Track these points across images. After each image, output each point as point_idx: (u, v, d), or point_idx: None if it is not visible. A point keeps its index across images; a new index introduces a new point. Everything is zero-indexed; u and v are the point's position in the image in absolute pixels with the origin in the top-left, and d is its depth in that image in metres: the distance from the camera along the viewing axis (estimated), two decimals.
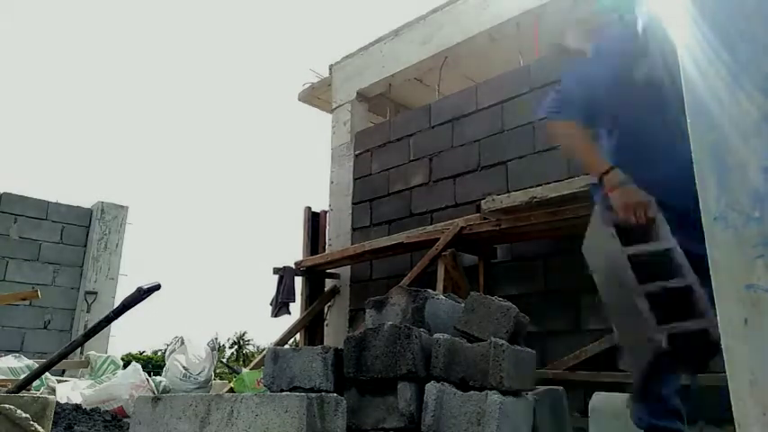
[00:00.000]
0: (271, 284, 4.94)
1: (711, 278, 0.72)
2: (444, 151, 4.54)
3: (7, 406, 1.79)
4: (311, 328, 5.12)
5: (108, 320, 2.78)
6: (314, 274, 5.12)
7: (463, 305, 2.22)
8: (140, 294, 2.66)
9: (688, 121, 0.77)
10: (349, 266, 5.06)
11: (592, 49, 2.02)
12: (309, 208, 5.51)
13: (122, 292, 8.06)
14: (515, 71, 4.34)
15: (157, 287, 2.72)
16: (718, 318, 0.71)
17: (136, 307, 2.70)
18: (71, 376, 4.93)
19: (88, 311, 7.60)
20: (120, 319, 2.77)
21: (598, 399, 2.48)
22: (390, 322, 2.04)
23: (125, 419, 3.19)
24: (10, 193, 7.52)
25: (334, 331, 5.08)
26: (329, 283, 5.24)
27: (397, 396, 1.90)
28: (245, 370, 4.67)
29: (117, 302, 8.08)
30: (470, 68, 5.29)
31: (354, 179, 5.29)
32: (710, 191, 0.72)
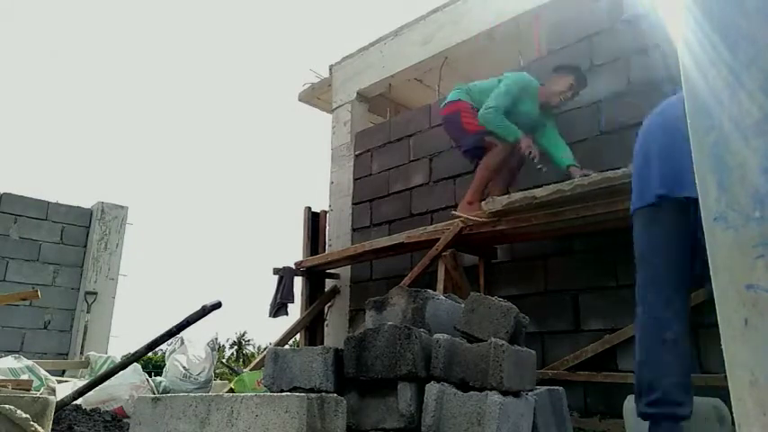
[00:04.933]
0: (271, 285, 4.94)
1: (711, 278, 0.72)
2: (444, 151, 4.54)
3: (7, 406, 1.79)
4: (311, 328, 5.12)
5: (170, 334, 2.94)
6: (314, 275, 5.11)
7: (463, 305, 2.22)
8: (204, 311, 2.87)
9: (688, 121, 0.77)
10: (349, 266, 5.05)
11: None
12: (309, 208, 5.51)
13: (122, 292, 8.07)
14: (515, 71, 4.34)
15: (219, 305, 2.92)
16: (718, 318, 0.71)
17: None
18: (71, 376, 4.93)
19: (88, 312, 7.59)
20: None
21: (633, 401, 2.48)
22: (390, 322, 2.04)
23: (125, 420, 3.19)
24: (10, 193, 7.51)
25: (335, 331, 5.07)
26: (329, 284, 5.24)
27: (397, 396, 1.90)
28: (245, 370, 4.67)
29: (117, 303, 8.10)
30: (470, 68, 5.29)
31: (354, 179, 5.29)
32: (710, 191, 0.72)
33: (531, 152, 3.56)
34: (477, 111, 3.79)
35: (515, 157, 3.79)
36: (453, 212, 3.81)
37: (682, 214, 1.95)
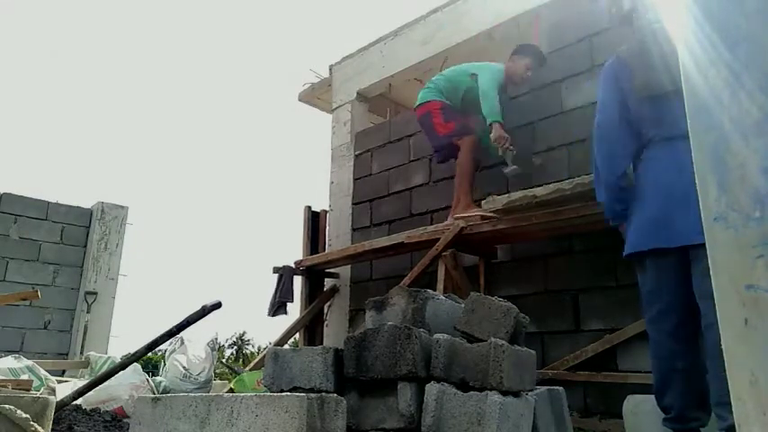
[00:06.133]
0: (271, 284, 4.94)
1: (711, 278, 0.72)
2: None
3: (7, 406, 1.79)
4: (311, 327, 5.11)
5: (170, 334, 2.94)
6: (313, 274, 5.11)
7: (463, 305, 2.22)
8: (204, 311, 2.88)
9: (688, 121, 0.77)
10: (349, 266, 5.05)
11: None
12: (309, 207, 5.50)
13: (122, 292, 8.06)
14: None
15: (219, 305, 2.91)
16: (718, 318, 0.71)
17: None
18: (71, 376, 4.93)
19: (88, 312, 7.59)
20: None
21: (632, 401, 2.48)
22: (390, 322, 2.04)
23: (125, 420, 3.19)
24: (10, 193, 7.51)
25: (334, 331, 5.07)
26: (329, 283, 5.24)
27: (398, 396, 1.90)
28: (245, 370, 4.66)
29: (117, 303, 8.09)
30: None
31: (354, 179, 5.29)
32: (710, 191, 0.72)
33: (503, 144, 3.76)
34: (448, 106, 4.05)
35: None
36: (454, 216, 3.82)
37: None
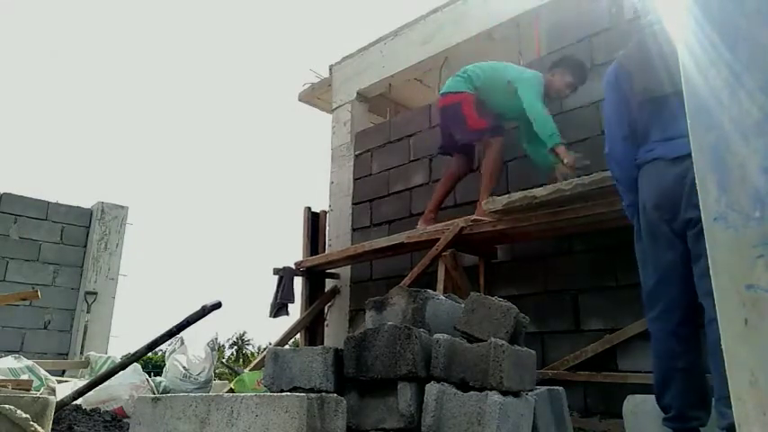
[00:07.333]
0: (271, 285, 4.94)
1: (711, 278, 0.72)
2: None
3: (7, 406, 1.79)
4: (311, 328, 5.11)
5: (170, 334, 2.94)
6: (314, 275, 5.11)
7: (463, 305, 2.22)
8: (204, 311, 2.88)
9: (688, 121, 0.77)
10: (349, 267, 5.05)
11: None
12: (309, 208, 5.50)
13: (122, 292, 8.06)
14: None
15: (219, 305, 2.91)
16: (718, 318, 0.71)
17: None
18: (71, 376, 4.93)
19: (88, 312, 7.59)
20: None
21: (632, 401, 2.48)
22: (390, 322, 2.04)
23: (125, 420, 3.19)
24: (10, 193, 7.51)
25: (335, 332, 5.07)
26: (329, 284, 5.23)
27: (398, 396, 1.90)
28: (245, 370, 4.66)
29: (117, 303, 8.08)
30: None
31: (354, 179, 5.29)
32: (710, 191, 0.72)
33: (573, 166, 3.44)
34: (481, 102, 3.86)
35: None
36: (475, 218, 3.68)
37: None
